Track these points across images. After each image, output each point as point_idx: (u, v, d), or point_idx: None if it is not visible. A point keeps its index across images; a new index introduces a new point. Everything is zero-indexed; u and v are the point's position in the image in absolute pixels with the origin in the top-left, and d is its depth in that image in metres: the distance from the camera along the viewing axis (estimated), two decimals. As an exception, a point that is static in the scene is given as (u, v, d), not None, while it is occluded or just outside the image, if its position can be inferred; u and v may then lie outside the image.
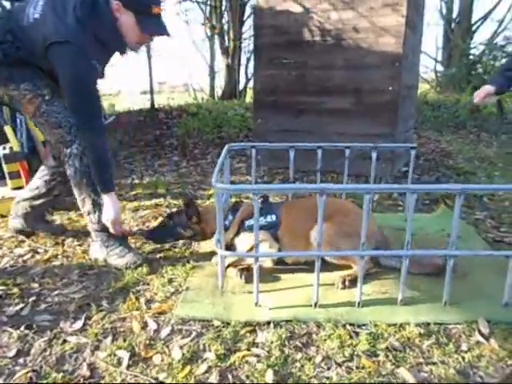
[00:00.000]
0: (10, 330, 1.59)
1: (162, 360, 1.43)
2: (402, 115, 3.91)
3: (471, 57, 8.84)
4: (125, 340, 1.53)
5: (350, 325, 1.62)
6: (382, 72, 3.64)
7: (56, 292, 1.88)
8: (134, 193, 3.44)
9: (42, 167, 2.38)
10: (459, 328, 1.61)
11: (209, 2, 9.11)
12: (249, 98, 9.48)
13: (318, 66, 3.88)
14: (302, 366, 1.40)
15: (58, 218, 2.83)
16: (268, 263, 2.01)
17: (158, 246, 2.34)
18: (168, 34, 2.01)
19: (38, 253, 2.28)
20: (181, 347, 1.49)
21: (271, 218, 1.99)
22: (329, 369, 1.39)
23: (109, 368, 1.39)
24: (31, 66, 1.99)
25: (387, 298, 1.80)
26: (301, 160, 2.62)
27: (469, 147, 5.40)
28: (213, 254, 2.11)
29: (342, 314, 1.69)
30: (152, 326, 1.62)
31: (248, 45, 9.59)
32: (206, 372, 1.37)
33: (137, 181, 3.88)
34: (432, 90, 10.56)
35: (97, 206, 2.10)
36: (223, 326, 1.61)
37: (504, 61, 2.01)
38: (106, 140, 2.01)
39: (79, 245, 2.40)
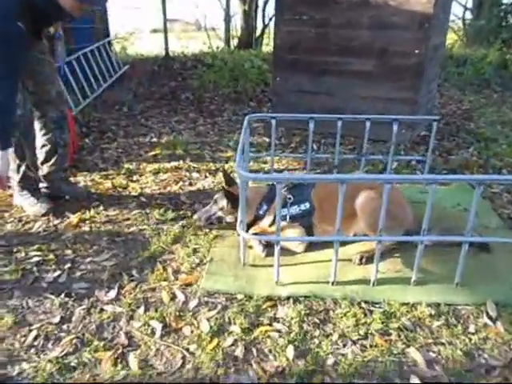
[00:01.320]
0: (51, 296, 1.73)
1: (192, 332, 1.56)
2: (427, 78, 3.80)
3: (503, 6, 8.30)
4: (156, 310, 1.67)
5: (365, 302, 1.73)
6: (410, 33, 3.50)
7: (88, 259, 2.01)
8: (153, 153, 3.50)
9: None
10: (468, 309, 1.71)
11: None
12: (265, 46, 9.14)
13: (342, 25, 3.73)
14: (320, 342, 1.53)
15: (81, 180, 2.93)
16: (300, 248, 2.08)
17: (180, 213, 2.44)
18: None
19: (68, 217, 2.40)
20: (208, 319, 1.62)
21: (305, 206, 2.02)
22: (344, 346, 1.51)
23: (144, 337, 1.54)
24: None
25: (401, 277, 1.89)
26: (319, 123, 2.60)
27: (492, 109, 5.25)
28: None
29: (357, 291, 1.80)
30: (180, 297, 1.75)
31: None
32: (232, 345, 1.50)
33: (155, 139, 3.92)
34: (459, 43, 10.04)
35: (20, 169, 2.39)
36: (246, 300, 1.73)
37: None
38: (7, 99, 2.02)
39: (104, 209, 2.50)
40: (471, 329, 1.61)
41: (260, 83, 5.95)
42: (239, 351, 1.48)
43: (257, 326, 1.60)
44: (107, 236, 2.21)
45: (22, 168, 2.39)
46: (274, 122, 2.61)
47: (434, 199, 1.67)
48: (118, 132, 4.09)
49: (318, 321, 1.63)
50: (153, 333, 1.56)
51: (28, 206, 2.45)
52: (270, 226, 2.06)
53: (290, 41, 3.98)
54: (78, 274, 1.90)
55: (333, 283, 1.83)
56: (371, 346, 1.51)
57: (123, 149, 3.62)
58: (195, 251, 2.09)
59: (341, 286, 1.83)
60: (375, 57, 3.69)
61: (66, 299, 1.72)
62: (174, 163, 3.26)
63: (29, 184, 2.47)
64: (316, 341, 1.53)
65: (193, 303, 1.71)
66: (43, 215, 2.41)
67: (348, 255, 2.02)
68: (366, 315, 1.66)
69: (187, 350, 1.48)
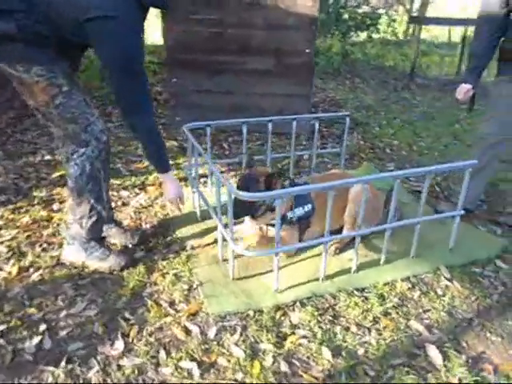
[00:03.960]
0: (48, 368, 1.47)
1: (229, 361, 1.54)
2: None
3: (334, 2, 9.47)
4: (179, 350, 1.58)
5: (357, 290, 1.94)
6: (300, 34, 3.80)
7: (63, 314, 1.74)
8: (58, 174, 3.07)
9: None
10: (429, 277, 2.08)
11: None
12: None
13: (236, 24, 3.81)
14: (344, 337, 1.68)
15: (-12, 219, 2.43)
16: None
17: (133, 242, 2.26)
18: None
19: (0, 269, 1.99)
20: (236, 344, 1.61)
21: (308, 207, 2.08)
22: (364, 334, 1.70)
23: (184, 381, 1.45)
24: (52, 47, 1.65)
25: (371, 260, 2.17)
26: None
27: (352, 95, 6.07)
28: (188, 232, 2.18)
29: (345, 281, 2.00)
30: (195, 329, 1.68)
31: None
32: (274, 362, 1.54)
33: (49, 157, 3.42)
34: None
35: (94, 212, 1.94)
36: (258, 315, 1.77)
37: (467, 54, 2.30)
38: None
39: (43, 250, 2.16)
40: (439, 292, 1.97)
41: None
42: (284, 366, 1.53)
43: (283, 337, 1.66)
44: (68, 281, 1.93)
45: (97, 211, 1.96)
46: (208, 129, 2.60)
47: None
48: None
49: (330, 317, 1.78)
50: (190, 374, 1.48)
51: (97, 260, 2.01)
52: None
53: (185, 41, 3.89)
54: (63, 333, 1.63)
55: (322, 279, 2.00)
56: (384, 328, 1.73)
57: (16, 174, 3.08)
58: (178, 277, 1.99)
59: (329, 281, 2.01)
60: (271, 56, 3.90)
61: (70, 366, 1.48)
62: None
63: (98, 232, 2.06)
64: (340, 336, 1.68)
65: (211, 332, 1.67)
66: (123, 268, 2.03)
67: (317, 249, 2.21)
68: (363, 302, 1.87)
69: (236, 380, 1.47)
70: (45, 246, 2.20)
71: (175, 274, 2.01)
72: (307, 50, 3.84)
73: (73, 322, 1.69)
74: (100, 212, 1.96)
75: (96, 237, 2.04)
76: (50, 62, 1.66)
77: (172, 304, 1.82)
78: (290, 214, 2.05)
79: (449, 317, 1.82)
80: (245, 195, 1.77)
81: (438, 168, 2.03)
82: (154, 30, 7.81)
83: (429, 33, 11.68)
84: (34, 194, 2.75)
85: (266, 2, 3.72)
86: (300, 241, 2.14)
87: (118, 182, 2.98)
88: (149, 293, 1.89)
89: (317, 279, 2.00)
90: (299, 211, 2.08)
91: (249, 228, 2.21)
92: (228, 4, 3.75)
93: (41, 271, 1.99)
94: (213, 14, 3.80)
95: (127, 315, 1.74)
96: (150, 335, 1.65)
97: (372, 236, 2.26)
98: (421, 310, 1.85)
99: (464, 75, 2.53)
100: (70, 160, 1.87)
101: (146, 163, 3.33)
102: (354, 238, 2.04)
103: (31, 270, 2.00)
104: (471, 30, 9.46)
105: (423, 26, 8.90)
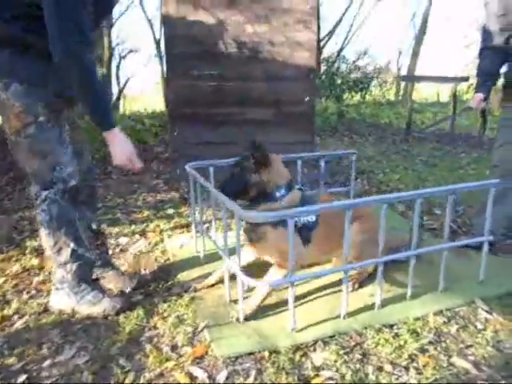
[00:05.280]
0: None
1: (245, 409, 1.28)
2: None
3: (326, 68, 10.01)
4: (183, 399, 1.32)
5: (385, 326, 1.70)
6: (299, 84, 3.87)
7: (48, 362, 1.49)
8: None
9: None
10: (464, 310, 1.84)
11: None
12: (128, 108, 8.88)
13: (235, 78, 3.91)
14: (377, 377, 1.42)
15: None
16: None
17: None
18: None
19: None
20: (252, 390, 1.35)
21: (312, 218, 1.86)
22: (401, 373, 1.44)
23: None
24: (40, 58, 1.51)
25: (396, 295, 1.94)
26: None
27: (353, 148, 6.09)
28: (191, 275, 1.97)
29: (370, 318, 1.77)
30: (201, 375, 1.42)
31: (121, 51, 8.97)
32: (299, 409, 1.28)
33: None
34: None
35: (76, 256, 1.74)
36: (274, 356, 1.52)
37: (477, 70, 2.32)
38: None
39: (30, 297, 1.94)
40: (479, 325, 1.73)
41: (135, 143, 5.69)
42: (311, 413, 1.26)
43: (307, 380, 1.40)
44: (55, 328, 1.70)
45: (79, 254, 1.76)
46: (211, 169, 2.50)
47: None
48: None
49: (359, 356, 1.52)
50: (197, 427, 1.22)
51: (89, 305, 1.79)
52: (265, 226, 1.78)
53: (186, 95, 3.96)
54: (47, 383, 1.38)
55: (344, 316, 1.76)
56: (424, 366, 1.47)
57: (10, 227, 2.92)
58: (181, 320, 1.76)
59: (352, 318, 1.77)
60: (271, 106, 3.95)
61: (52, 422, 1.22)
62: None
63: (87, 274, 1.84)
64: (373, 377, 1.42)
65: (221, 376, 1.41)
66: (118, 311, 1.80)
67: (328, 284, 2.00)
68: (394, 338, 1.63)
69: (253, 432, 1.20)
70: (33, 292, 1.99)
71: (178, 317, 1.77)
72: (306, 99, 3.90)
73: (58, 372, 1.44)
74: (83, 254, 1.77)
75: (86, 279, 1.83)
76: (33, 79, 1.54)
77: (174, 348, 1.58)
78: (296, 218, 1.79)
79: (496, 352, 1.57)
80: (252, 215, 1.61)
81: (461, 186, 1.89)
82: (155, 98, 8.12)
83: (419, 94, 12.20)
84: (27, 243, 2.58)
85: (265, 56, 3.84)
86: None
87: (117, 229, 2.83)
88: (148, 337, 1.64)
89: (337, 316, 1.76)
90: (304, 219, 1.84)
91: (251, 255, 2.01)
92: (228, 59, 3.87)
93: (26, 318, 1.77)
94: (213, 69, 3.91)
95: (122, 362, 1.49)
96: (149, 383, 1.39)
97: (393, 270, 2.06)
98: (462, 346, 1.60)
99: (476, 87, 2.50)
100: (36, 206, 1.70)
101: (147, 212, 3.21)
102: (373, 271, 1.84)
103: (15, 317, 1.78)
104: (461, 87, 9.89)
105: (414, 86, 9.28)
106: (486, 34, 2.33)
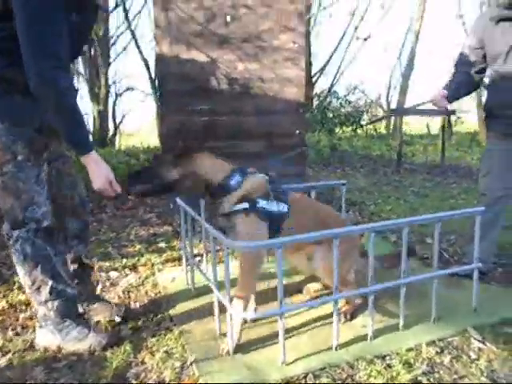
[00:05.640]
0: None
1: None
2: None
3: (318, 102, 10.27)
4: None
5: (377, 358, 1.67)
6: (289, 117, 3.97)
7: (30, 401, 1.44)
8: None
9: None
10: (457, 339, 1.82)
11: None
12: (124, 143, 9.00)
13: (227, 112, 4.00)
14: (370, 410, 1.39)
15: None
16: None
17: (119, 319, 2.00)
18: None
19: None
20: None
21: (283, 207, 1.83)
22: (394, 406, 1.41)
23: None
24: (21, 93, 1.51)
25: (388, 325, 1.92)
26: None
27: (345, 180, 6.16)
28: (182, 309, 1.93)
29: (362, 349, 1.74)
30: (188, 411, 1.38)
31: (117, 88, 9.19)
32: None
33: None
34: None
35: (56, 293, 1.71)
36: (265, 391, 1.48)
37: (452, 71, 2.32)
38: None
39: (16, 334, 1.90)
40: (473, 355, 1.70)
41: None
42: None
43: (297, 415, 1.36)
44: (39, 365, 1.65)
45: (58, 291, 1.71)
46: (202, 202, 2.51)
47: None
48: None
49: (351, 389, 1.49)
50: None
51: (75, 341, 1.74)
52: (231, 215, 1.77)
53: (178, 129, 4.03)
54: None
55: (336, 348, 1.74)
56: (417, 398, 1.44)
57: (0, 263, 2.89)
58: (169, 354, 1.72)
59: (344, 349, 1.74)
60: (262, 139, 4.03)
61: None
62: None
63: (71, 310, 1.78)
64: (365, 410, 1.39)
65: (209, 413, 1.37)
66: (105, 347, 1.75)
67: (324, 315, 1.97)
68: (387, 369, 1.60)
69: None
70: (18, 329, 1.95)
71: (166, 351, 1.74)
72: (297, 132, 3.98)
73: (40, 411, 1.40)
74: (64, 291, 1.72)
75: (69, 315, 1.78)
76: (14, 118, 1.54)
77: (161, 384, 1.54)
78: (261, 203, 1.76)
79: (490, 382, 1.54)
80: (241, 246, 1.61)
81: (446, 214, 1.92)
82: (150, 134, 8.26)
83: (408, 126, 12.48)
84: (15, 279, 2.54)
85: (255, 91, 3.96)
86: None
87: (107, 263, 2.80)
88: (134, 373, 1.60)
89: (328, 348, 1.74)
90: (273, 205, 1.79)
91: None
92: (220, 94, 3.97)
93: (9, 356, 1.72)
94: (205, 104, 4.00)
95: (107, 399, 1.45)
96: (134, 421, 1.35)
97: (385, 299, 2.04)
98: (456, 376, 1.57)
99: (444, 86, 2.47)
100: (9, 246, 1.67)
101: (139, 246, 3.19)
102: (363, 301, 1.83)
103: (-2, 354, 1.73)
104: (449, 119, 10.15)
105: (404, 120, 9.50)
106: (462, 60, 2.44)
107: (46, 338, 1.77)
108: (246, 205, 1.75)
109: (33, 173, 1.61)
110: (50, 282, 1.68)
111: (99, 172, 1.62)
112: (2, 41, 1.49)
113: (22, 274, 1.69)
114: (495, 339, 1.80)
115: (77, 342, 1.75)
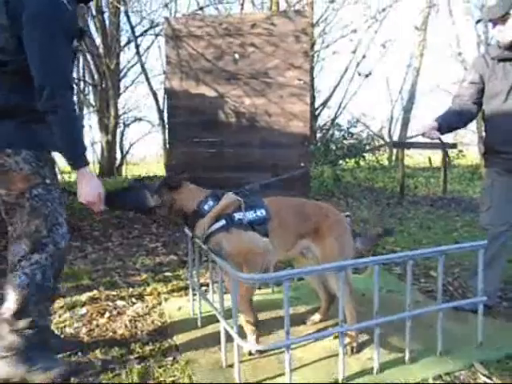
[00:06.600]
0: None
1: None
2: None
3: (321, 135, 10.46)
4: None
5: (384, 392, 1.68)
6: (295, 150, 4.08)
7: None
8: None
9: None
10: (464, 374, 1.82)
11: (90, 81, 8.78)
12: (129, 172, 9.15)
13: (234, 145, 4.13)
14: None
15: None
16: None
17: (129, 345, 2.02)
18: None
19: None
20: None
21: (261, 212, 1.88)
22: None
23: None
24: (39, 122, 1.60)
25: (395, 358, 1.92)
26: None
27: (350, 212, 6.21)
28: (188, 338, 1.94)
29: (368, 383, 1.74)
30: None
31: (125, 120, 9.45)
32: None
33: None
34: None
35: (32, 325, 1.69)
36: (272, 423, 1.49)
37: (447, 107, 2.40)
38: None
39: (24, 362, 1.91)
40: (480, 391, 1.71)
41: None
42: None
43: None
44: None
45: (38, 326, 1.71)
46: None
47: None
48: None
49: (358, 423, 1.49)
50: None
51: (41, 371, 1.70)
52: (216, 233, 1.84)
53: (186, 160, 4.15)
54: None
55: (342, 381, 1.74)
56: (424, 432, 1.44)
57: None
58: (176, 385, 1.73)
59: (350, 382, 1.75)
60: (268, 171, 4.12)
61: None
62: (87, 294, 2.77)
63: (41, 338, 1.75)
64: None
65: None
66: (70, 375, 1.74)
67: (327, 348, 1.98)
68: (394, 404, 1.60)
69: None
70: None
71: (173, 382, 1.75)
72: (302, 164, 4.08)
73: None
74: (40, 322, 1.72)
75: (38, 345, 1.73)
76: (38, 146, 1.64)
77: (170, 415, 1.54)
78: (238, 216, 1.84)
79: (497, 418, 1.54)
80: (245, 277, 1.65)
81: (449, 248, 1.96)
82: (156, 164, 8.40)
83: (411, 159, 12.62)
84: None
85: (262, 125, 4.09)
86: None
87: (114, 292, 2.82)
88: (142, 403, 1.61)
89: (335, 381, 1.74)
90: (250, 214, 1.86)
91: None
92: (227, 127, 4.11)
93: (18, 385, 1.73)
94: (213, 137, 4.14)
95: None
96: None
97: (391, 332, 2.05)
98: (463, 411, 1.57)
99: (436, 118, 2.51)
100: (18, 268, 1.65)
101: (145, 275, 3.22)
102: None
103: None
104: (451, 153, 10.29)
105: (406, 153, 9.64)
106: (459, 93, 2.54)
107: (8, 369, 1.68)
108: (222, 222, 1.84)
109: (57, 194, 1.71)
110: (34, 315, 1.68)
111: (92, 185, 1.67)
112: (17, 74, 1.59)
113: (13, 299, 1.65)
114: (501, 374, 1.80)
115: (42, 372, 1.71)
